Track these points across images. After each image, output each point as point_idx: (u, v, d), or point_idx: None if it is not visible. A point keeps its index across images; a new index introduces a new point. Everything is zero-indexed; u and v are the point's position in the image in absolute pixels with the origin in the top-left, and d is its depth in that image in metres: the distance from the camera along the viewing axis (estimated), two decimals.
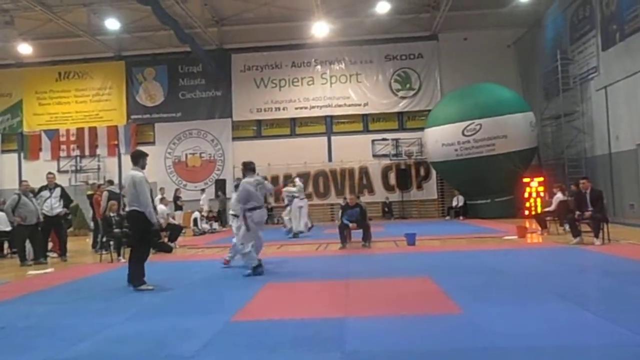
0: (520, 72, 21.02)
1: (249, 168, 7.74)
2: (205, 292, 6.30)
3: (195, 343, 3.93)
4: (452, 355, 3.50)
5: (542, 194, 16.71)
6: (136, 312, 5.17)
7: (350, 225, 10.55)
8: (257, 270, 7.25)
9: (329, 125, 22.07)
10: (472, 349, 3.61)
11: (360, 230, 10.63)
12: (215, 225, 18.06)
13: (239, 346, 3.87)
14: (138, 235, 6.79)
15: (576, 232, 9.72)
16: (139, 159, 6.82)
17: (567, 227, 10.97)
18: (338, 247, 10.50)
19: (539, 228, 12.28)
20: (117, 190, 12.39)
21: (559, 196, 12.17)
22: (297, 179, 14.81)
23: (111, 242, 10.01)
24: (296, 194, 13.80)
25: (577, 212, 9.69)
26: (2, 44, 20.71)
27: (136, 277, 6.52)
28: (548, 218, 12.28)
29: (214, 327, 4.37)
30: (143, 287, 6.45)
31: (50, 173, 11.08)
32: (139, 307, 5.39)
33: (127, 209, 6.96)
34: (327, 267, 8.09)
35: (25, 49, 21.02)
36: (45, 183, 10.61)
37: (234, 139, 22.11)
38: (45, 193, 10.38)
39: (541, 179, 17.14)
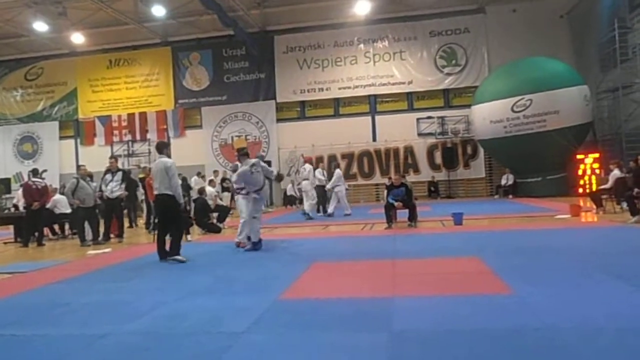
0: (574, 44, 19.98)
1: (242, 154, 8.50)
2: (253, 272, 6.44)
3: (246, 320, 4.04)
4: (503, 335, 3.43)
5: (597, 171, 16.06)
6: (188, 290, 5.36)
7: (396, 204, 10.48)
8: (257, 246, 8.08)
9: (373, 104, 21.84)
10: (524, 328, 3.53)
11: (406, 210, 10.57)
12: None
13: (287, 323, 3.95)
14: (171, 216, 7.42)
15: (634, 211, 9.36)
16: (163, 149, 7.65)
17: (624, 205, 10.60)
18: (384, 227, 10.47)
19: (594, 206, 11.85)
20: None
21: (616, 173, 11.68)
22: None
23: None
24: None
25: (636, 190, 9.33)
26: (57, 34, 21.58)
27: (174, 249, 7.36)
28: (604, 196, 11.82)
29: (263, 305, 4.47)
30: (177, 257, 7.26)
31: (111, 157, 11.63)
32: (191, 286, 5.58)
33: (155, 193, 7.49)
34: (373, 247, 8.08)
35: (77, 38, 21.85)
36: (106, 167, 11.17)
37: (278, 120, 22.30)
38: (108, 176, 10.87)
39: (596, 155, 16.44)
